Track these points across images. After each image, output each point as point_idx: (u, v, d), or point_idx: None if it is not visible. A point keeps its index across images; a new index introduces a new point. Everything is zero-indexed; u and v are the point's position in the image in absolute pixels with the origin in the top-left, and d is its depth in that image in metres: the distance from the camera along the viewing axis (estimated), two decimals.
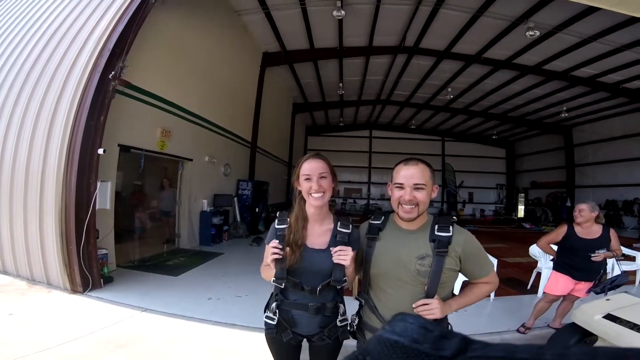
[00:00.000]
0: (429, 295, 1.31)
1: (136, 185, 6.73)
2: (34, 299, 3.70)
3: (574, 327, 2.61)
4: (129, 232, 6.66)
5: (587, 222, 3.05)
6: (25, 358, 2.48)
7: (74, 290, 3.93)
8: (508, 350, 0.25)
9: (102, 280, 4.17)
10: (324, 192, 1.41)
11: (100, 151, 4.13)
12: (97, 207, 4.15)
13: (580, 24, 7.32)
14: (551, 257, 3.59)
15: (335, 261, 1.33)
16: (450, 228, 1.34)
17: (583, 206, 3.07)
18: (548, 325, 3.43)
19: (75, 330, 2.96)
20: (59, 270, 3.96)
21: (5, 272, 4.46)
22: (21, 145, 4.34)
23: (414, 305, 1.30)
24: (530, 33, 7.46)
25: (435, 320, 1.32)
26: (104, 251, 4.51)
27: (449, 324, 1.42)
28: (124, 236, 5.93)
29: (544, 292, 3.47)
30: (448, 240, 1.32)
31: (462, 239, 1.35)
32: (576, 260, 3.08)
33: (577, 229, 3.09)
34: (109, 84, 4.20)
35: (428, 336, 0.28)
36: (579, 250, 3.06)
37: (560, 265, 3.23)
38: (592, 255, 2.98)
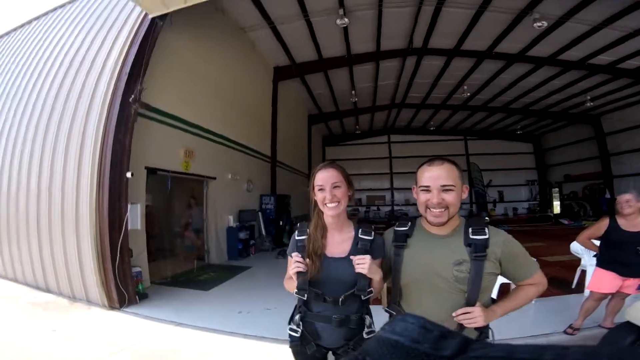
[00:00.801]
0: (470, 302, 1.22)
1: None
2: (75, 315, 3.89)
3: (628, 326, 2.43)
4: (161, 250, 6.90)
5: (634, 212, 2.84)
6: None
7: (112, 307, 4.11)
8: (508, 350, 0.25)
9: (137, 296, 4.33)
10: (338, 202, 1.38)
11: (129, 175, 4.35)
12: (129, 227, 4.35)
13: (586, 12, 7.13)
14: (593, 253, 3.36)
15: (358, 271, 1.30)
16: (486, 230, 1.25)
17: (628, 196, 2.86)
18: (599, 325, 3.21)
19: (113, 344, 3.07)
20: (97, 288, 4.16)
21: (48, 291, 4.73)
22: (55, 173, 4.65)
23: (454, 314, 1.21)
24: (538, 24, 7.31)
25: (477, 328, 1.24)
26: (138, 269, 4.69)
27: (490, 329, 1.31)
28: (157, 254, 6.13)
29: (589, 291, 3.26)
30: (485, 244, 1.22)
31: (500, 241, 1.26)
32: (622, 255, 2.87)
33: (621, 221, 2.89)
34: (130, 107, 4.40)
35: (428, 336, 0.28)
36: (624, 244, 2.85)
37: (604, 261, 3.03)
38: (639, 248, 2.77)
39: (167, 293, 4.81)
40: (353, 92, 12.28)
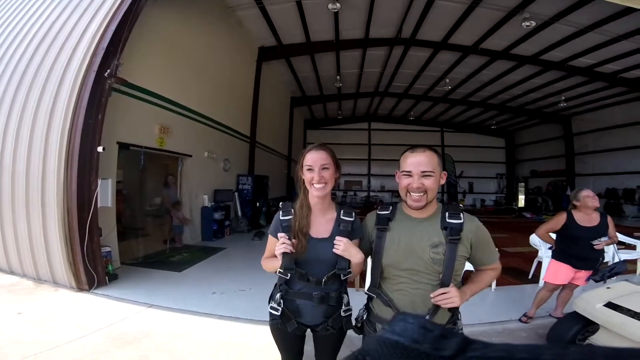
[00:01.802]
0: (444, 283, 1.29)
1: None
2: (41, 298, 3.73)
3: (575, 316, 2.63)
4: (132, 229, 6.69)
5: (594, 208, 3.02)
6: (37, 356, 2.52)
7: (80, 289, 3.97)
8: (508, 350, 0.25)
9: (107, 277, 4.20)
10: (325, 183, 1.41)
11: (100, 149, 4.12)
12: (98, 205, 4.16)
13: (576, 14, 7.32)
14: (549, 246, 3.59)
15: (334, 251, 1.36)
16: (461, 215, 1.33)
17: (591, 192, 3.02)
18: (550, 315, 3.42)
19: (84, 327, 2.99)
20: (64, 269, 3.99)
21: (12, 272, 4.49)
22: (20, 146, 4.33)
23: (432, 295, 1.28)
24: (527, 24, 7.48)
25: (451, 309, 1.32)
26: (108, 249, 4.53)
27: (459, 312, 1.42)
28: (127, 234, 5.95)
29: (544, 282, 3.44)
30: (460, 228, 1.31)
31: (474, 227, 1.35)
32: (577, 248, 3.04)
33: (577, 217, 3.05)
34: (105, 82, 4.17)
35: (428, 336, 0.28)
36: (579, 238, 3.02)
37: (560, 254, 3.20)
38: (594, 243, 2.96)
39: (138, 274, 4.71)
40: (338, 77, 12.16)
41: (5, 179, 4.41)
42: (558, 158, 16.42)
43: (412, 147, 1.36)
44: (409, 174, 1.32)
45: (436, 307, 1.29)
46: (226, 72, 8.25)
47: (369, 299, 1.50)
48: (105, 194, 4.37)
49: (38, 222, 4.12)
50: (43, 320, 3.13)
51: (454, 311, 1.36)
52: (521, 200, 19.36)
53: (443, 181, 1.37)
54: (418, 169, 1.30)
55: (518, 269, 5.34)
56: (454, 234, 1.30)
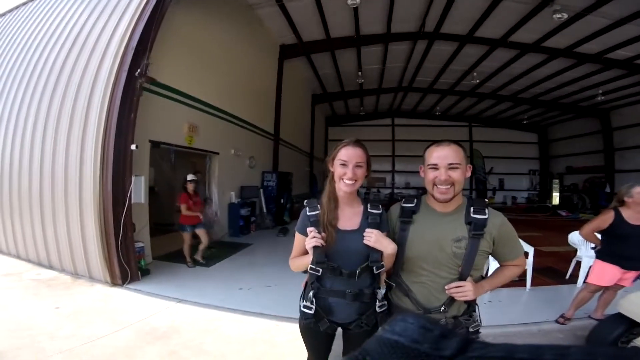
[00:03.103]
0: (463, 277, 1.31)
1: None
2: (78, 293, 3.92)
3: (619, 317, 2.50)
4: (163, 225, 6.94)
5: None
6: (72, 350, 2.64)
7: (114, 283, 4.15)
8: (508, 350, 0.26)
9: (139, 272, 4.38)
10: (355, 181, 1.40)
11: (133, 147, 4.30)
12: (132, 201, 4.33)
13: (609, 6, 6.92)
14: (592, 246, 3.38)
15: (365, 242, 1.35)
16: (486, 210, 1.33)
17: None
18: (589, 316, 3.28)
19: (117, 322, 3.12)
20: (100, 264, 4.18)
21: (51, 267, 4.78)
22: (59, 146, 4.59)
23: (446, 287, 1.31)
24: (558, 16, 7.12)
25: (467, 302, 1.34)
26: (141, 244, 4.73)
27: (476, 304, 1.42)
28: (159, 229, 6.18)
29: (586, 282, 3.29)
30: (484, 223, 1.31)
31: (498, 222, 1.34)
32: (626, 248, 2.87)
33: (626, 215, 2.86)
34: (136, 81, 4.32)
35: (428, 336, 0.28)
36: (629, 237, 2.84)
37: (606, 254, 3.02)
38: None
39: (169, 269, 4.88)
40: (359, 73, 11.99)
41: (46, 178, 4.70)
42: (595, 154, 15.44)
43: (437, 141, 1.37)
44: (435, 167, 1.33)
45: (452, 299, 1.32)
46: (249, 71, 8.37)
47: (388, 287, 1.52)
48: (138, 190, 4.54)
49: (76, 219, 4.35)
50: (79, 315, 3.28)
51: (470, 303, 1.38)
52: (555, 198, 18.34)
53: (468, 174, 1.37)
54: (445, 161, 1.30)
55: (553, 269, 5.13)
56: (477, 229, 1.30)
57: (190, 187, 4.97)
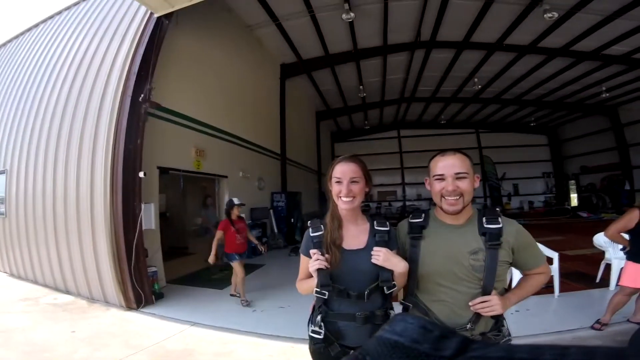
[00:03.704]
0: (486, 290, 1.23)
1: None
2: (93, 317, 3.94)
3: None
4: (176, 249, 6.96)
5: None
6: None
7: (129, 307, 4.15)
8: (507, 350, 0.26)
9: (153, 296, 4.38)
10: (353, 197, 1.35)
11: (141, 174, 4.37)
12: (143, 227, 4.38)
13: (598, 2, 6.93)
14: (621, 247, 3.22)
15: (373, 261, 1.28)
16: (499, 219, 1.27)
17: None
18: (628, 320, 3.11)
19: (131, 346, 3.09)
20: (114, 288, 4.21)
21: (67, 292, 4.82)
22: (69, 175, 4.72)
23: (471, 304, 1.22)
24: (549, 15, 7.13)
25: (494, 317, 1.26)
26: (154, 269, 4.73)
27: (504, 318, 1.33)
28: (172, 253, 6.19)
29: (619, 285, 3.13)
30: (499, 232, 1.25)
31: (514, 230, 1.28)
32: None
33: None
34: (141, 106, 4.43)
35: (428, 336, 0.27)
36: None
37: (637, 254, 2.90)
38: None
39: (183, 292, 4.85)
40: (361, 87, 12.15)
41: (59, 206, 4.80)
42: (609, 151, 15.07)
43: (442, 151, 1.34)
44: (441, 178, 1.28)
45: (477, 316, 1.24)
46: (252, 92, 8.54)
47: (404, 309, 1.43)
48: (148, 216, 4.59)
49: (89, 244, 4.41)
50: (94, 339, 3.28)
51: (498, 318, 1.29)
52: (574, 199, 17.79)
53: (477, 184, 1.32)
54: (451, 171, 1.26)
55: (581, 273, 4.89)
56: (493, 239, 1.25)
57: (237, 212, 4.45)
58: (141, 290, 4.16)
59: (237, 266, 4.34)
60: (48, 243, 4.99)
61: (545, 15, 7.16)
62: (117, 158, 4.27)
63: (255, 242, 4.70)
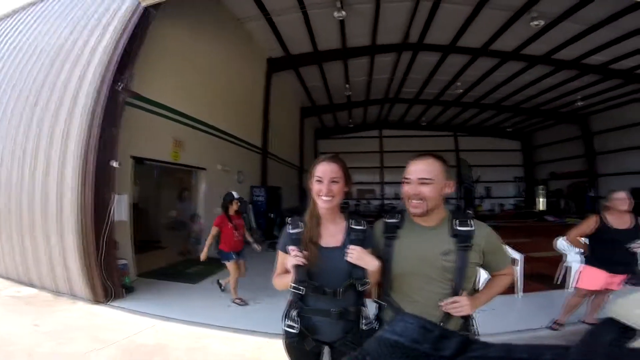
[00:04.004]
0: (456, 291, 1.28)
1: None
2: (59, 310, 3.78)
3: (611, 322, 2.49)
4: (148, 242, 6.77)
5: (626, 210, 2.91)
6: None
7: (97, 301, 4.01)
8: (507, 350, 0.25)
9: (123, 290, 4.25)
10: (333, 197, 1.38)
11: (115, 164, 4.21)
12: (114, 219, 4.22)
13: (585, 11, 7.16)
14: (577, 251, 3.42)
15: (347, 259, 1.33)
16: (471, 222, 1.33)
17: (623, 194, 2.93)
18: (582, 321, 3.29)
19: (99, 340, 3.00)
20: (82, 281, 4.04)
21: (31, 285, 4.59)
22: (39, 163, 4.47)
23: (442, 304, 1.27)
24: (535, 23, 7.35)
25: (463, 317, 1.31)
26: (124, 262, 4.59)
27: (473, 318, 1.40)
28: (143, 246, 6.02)
29: (575, 287, 3.32)
30: (470, 235, 1.30)
31: (484, 233, 1.34)
32: (612, 252, 2.92)
33: (610, 219, 2.94)
34: (119, 96, 4.28)
35: (428, 336, 0.28)
36: (614, 241, 2.89)
37: (593, 259, 3.07)
38: (632, 246, 2.83)
39: (154, 286, 4.73)
40: (347, 85, 12.19)
41: (25, 193, 4.54)
42: (578, 158, 15.91)
43: (418, 155, 1.38)
44: (408, 181, 1.35)
45: (448, 315, 1.29)
46: (237, 85, 8.39)
47: (379, 308, 1.48)
48: (120, 208, 4.44)
49: (56, 235, 4.21)
50: (59, 332, 3.16)
51: (467, 318, 1.35)
52: (542, 204, 18.71)
53: (449, 190, 1.36)
54: (416, 175, 1.32)
55: (544, 275, 5.14)
56: (464, 241, 1.29)
57: (235, 206, 4.20)
58: (110, 283, 4.02)
59: (232, 266, 4.10)
60: (12, 233, 4.71)
61: (531, 23, 7.35)
62: (90, 147, 4.08)
63: (251, 240, 4.56)
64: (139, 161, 5.12)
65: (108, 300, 3.99)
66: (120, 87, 4.24)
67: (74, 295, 4.18)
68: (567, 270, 4.53)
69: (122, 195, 4.48)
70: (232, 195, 4.22)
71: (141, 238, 5.85)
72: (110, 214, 4.14)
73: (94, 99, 4.19)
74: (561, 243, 4.64)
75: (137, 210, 6.17)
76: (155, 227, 7.87)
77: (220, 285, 4.55)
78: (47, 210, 4.29)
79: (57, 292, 4.31)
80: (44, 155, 4.41)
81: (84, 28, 4.90)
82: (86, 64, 4.49)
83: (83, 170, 4.07)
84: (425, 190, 1.29)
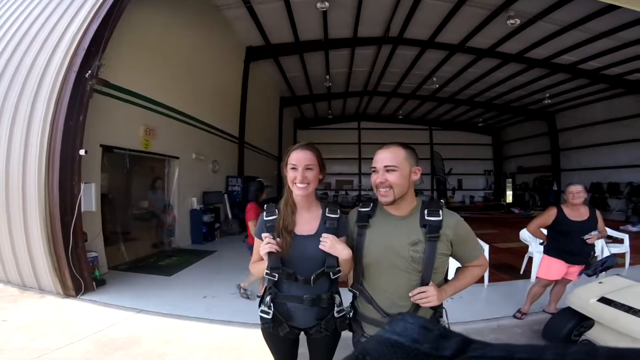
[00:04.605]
0: (424, 282, 1.28)
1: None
2: (26, 305, 3.63)
3: (569, 311, 2.64)
4: (119, 233, 6.51)
5: (582, 203, 3.05)
6: None
7: (67, 294, 3.86)
8: (507, 350, 0.26)
9: (94, 283, 4.10)
10: (307, 184, 1.39)
11: (82, 152, 4.01)
12: (82, 209, 4.04)
13: (559, 12, 7.43)
14: (540, 241, 3.60)
15: (320, 248, 1.34)
16: (440, 212, 1.32)
17: (579, 187, 3.02)
18: (543, 310, 3.44)
19: (71, 334, 2.91)
20: (50, 275, 3.87)
21: None
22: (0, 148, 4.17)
23: (410, 294, 1.27)
24: (511, 22, 7.56)
25: (432, 307, 1.31)
26: (94, 254, 4.42)
27: (443, 308, 1.41)
28: (114, 238, 5.79)
29: (537, 277, 3.44)
30: (439, 225, 1.29)
31: (452, 223, 1.33)
32: (568, 243, 3.06)
33: (567, 211, 3.07)
34: (86, 83, 4.06)
35: (428, 336, 0.28)
36: (570, 233, 3.03)
37: (552, 249, 3.21)
38: (586, 237, 2.97)
39: (127, 279, 4.60)
40: (327, 76, 12.13)
41: None
42: (544, 154, 16.74)
43: (384, 144, 1.38)
44: (375, 170, 1.36)
45: (417, 306, 1.29)
46: (213, 73, 8.14)
47: (354, 296, 1.50)
48: (89, 198, 4.25)
49: (20, 227, 3.98)
50: (29, 327, 3.04)
51: (437, 308, 1.36)
52: (509, 196, 19.69)
53: (416, 177, 1.36)
54: (381, 164, 1.32)
55: (509, 265, 5.39)
56: (432, 231, 1.29)
57: (264, 195, 3.92)
58: (80, 276, 3.87)
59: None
60: None
61: (508, 22, 7.56)
62: (55, 135, 3.86)
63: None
64: (107, 149, 4.90)
65: (78, 294, 3.85)
66: (89, 74, 4.00)
67: (41, 290, 4.00)
68: (530, 260, 4.72)
69: (89, 184, 4.28)
70: (263, 183, 4.02)
71: (111, 229, 5.62)
72: (78, 204, 3.94)
73: (60, 85, 3.96)
74: (525, 234, 4.78)
75: (107, 201, 5.90)
76: (127, 218, 7.56)
77: (245, 290, 3.98)
78: (10, 200, 4.04)
79: (23, 287, 4.11)
80: (5, 143, 4.13)
81: (54, 10, 4.59)
82: (53, 48, 4.22)
83: (47, 159, 3.86)
84: (391, 177, 1.29)
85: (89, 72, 4.04)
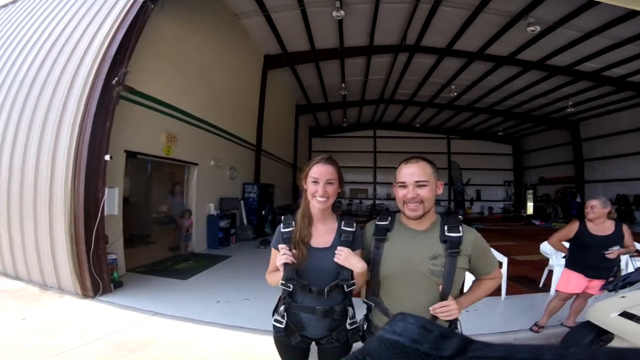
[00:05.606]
0: (445, 295, 1.30)
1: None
2: (46, 304, 3.75)
3: (588, 325, 2.55)
4: (138, 237, 6.72)
5: (599, 218, 2.97)
6: None
7: (85, 295, 3.98)
8: (508, 350, 0.25)
9: (112, 284, 4.22)
10: (328, 198, 1.41)
11: (107, 157, 4.18)
12: (105, 213, 4.20)
13: (580, 19, 7.26)
14: (563, 255, 3.51)
15: (335, 260, 1.36)
16: (460, 228, 1.34)
17: (594, 202, 2.98)
18: (562, 324, 3.36)
19: (87, 334, 2.99)
20: (70, 276, 4.01)
21: (18, 278, 4.53)
22: (29, 154, 4.42)
23: (431, 309, 1.28)
24: (531, 28, 7.43)
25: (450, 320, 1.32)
26: (114, 256, 4.55)
27: (458, 320, 1.41)
28: (133, 241, 5.98)
29: (556, 290, 3.39)
30: (459, 241, 1.32)
31: (472, 238, 1.36)
32: (589, 257, 2.99)
33: (589, 225, 3.01)
34: (113, 90, 4.25)
35: (428, 336, 0.28)
36: (591, 247, 2.97)
37: (572, 262, 3.15)
38: (606, 252, 2.90)
39: (144, 282, 4.71)
40: (343, 84, 12.21)
41: (14, 186, 4.49)
42: (566, 164, 16.17)
43: (406, 159, 1.39)
44: (404, 185, 1.35)
45: (434, 318, 1.29)
46: (232, 81, 8.35)
47: (368, 309, 1.51)
48: (112, 202, 4.41)
49: (45, 228, 4.16)
50: (47, 327, 3.13)
51: (453, 320, 1.36)
52: (530, 208, 19.05)
53: (440, 191, 1.38)
54: (412, 179, 1.33)
55: (528, 278, 5.25)
56: (453, 247, 1.31)
57: None
58: (99, 278, 3.99)
59: None
60: None
61: (528, 29, 7.42)
62: (82, 140, 4.05)
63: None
64: (131, 155, 5.09)
65: (96, 295, 3.96)
66: (115, 81, 4.20)
67: (61, 290, 4.14)
68: (550, 273, 4.59)
69: (113, 189, 4.45)
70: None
71: (131, 232, 5.81)
72: (102, 208, 4.11)
73: (88, 92, 4.16)
74: (546, 247, 4.69)
75: (128, 205, 6.13)
76: (146, 221, 7.81)
77: None
78: (37, 202, 4.24)
79: (44, 286, 4.27)
80: (35, 147, 4.36)
81: (81, 20, 4.85)
82: (81, 56, 4.45)
83: (75, 163, 4.04)
84: (423, 192, 1.31)
85: (116, 79, 4.23)
